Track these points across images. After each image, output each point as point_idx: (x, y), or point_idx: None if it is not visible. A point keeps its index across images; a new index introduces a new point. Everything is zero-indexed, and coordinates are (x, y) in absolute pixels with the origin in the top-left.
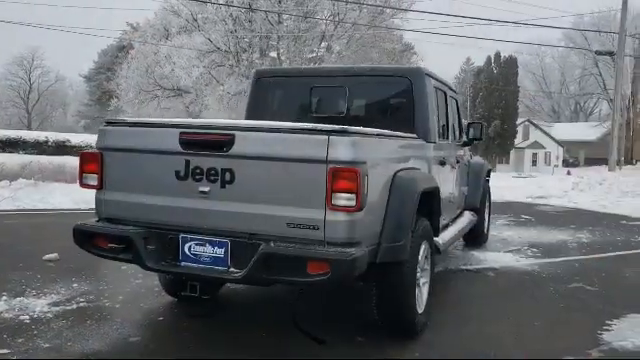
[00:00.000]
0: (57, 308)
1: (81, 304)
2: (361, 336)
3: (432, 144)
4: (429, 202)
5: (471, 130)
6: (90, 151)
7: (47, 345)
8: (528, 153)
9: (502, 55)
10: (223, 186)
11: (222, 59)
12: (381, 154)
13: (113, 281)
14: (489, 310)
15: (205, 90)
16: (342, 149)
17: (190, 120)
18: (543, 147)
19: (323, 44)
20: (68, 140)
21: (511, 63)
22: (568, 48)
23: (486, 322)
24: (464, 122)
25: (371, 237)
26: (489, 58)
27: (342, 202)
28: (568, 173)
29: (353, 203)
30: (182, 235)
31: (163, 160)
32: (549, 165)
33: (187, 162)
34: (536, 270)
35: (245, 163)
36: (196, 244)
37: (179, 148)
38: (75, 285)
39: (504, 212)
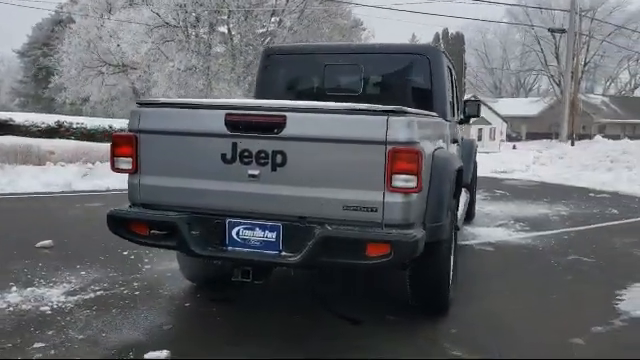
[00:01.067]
0: (74, 297)
1: (98, 292)
2: (392, 314)
3: (448, 123)
4: (457, 181)
5: (467, 108)
6: (123, 133)
7: (81, 336)
8: (474, 129)
9: (450, 32)
10: (274, 169)
11: (171, 34)
12: (427, 134)
13: (120, 268)
14: (505, 284)
15: (153, 66)
16: (401, 130)
17: (235, 100)
18: (489, 123)
19: (274, 19)
20: (11, 119)
21: (458, 40)
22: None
23: (506, 296)
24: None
25: (420, 218)
26: (437, 35)
27: (402, 184)
28: (514, 147)
29: (413, 184)
30: (229, 220)
31: (207, 143)
32: (494, 140)
33: (234, 145)
34: (530, 244)
35: (298, 145)
36: (245, 228)
37: (225, 130)
38: (83, 273)
39: (477, 187)
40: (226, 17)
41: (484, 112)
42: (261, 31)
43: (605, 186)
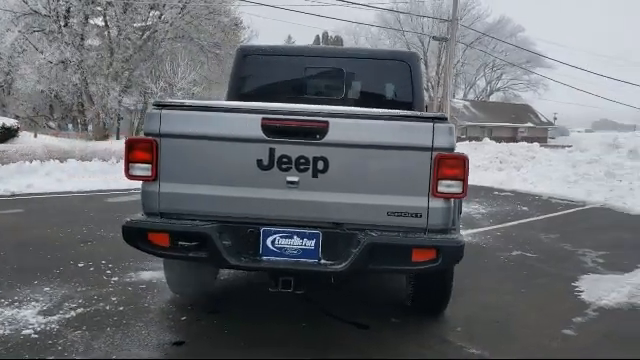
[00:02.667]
0: (54, 317)
1: (78, 310)
2: (395, 317)
3: None
4: None
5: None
6: (141, 137)
7: None
8: None
9: (329, 35)
10: (315, 175)
11: (41, 24)
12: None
13: (85, 281)
14: (473, 281)
15: (19, 58)
16: (445, 136)
17: (271, 105)
18: None
19: (154, 13)
20: None
21: (338, 43)
22: (382, 30)
23: (481, 292)
24: None
25: (453, 223)
26: (317, 37)
27: (447, 189)
28: None
29: (459, 190)
30: (264, 228)
31: (240, 148)
32: None
33: (272, 150)
34: (472, 241)
35: (340, 151)
36: (282, 237)
37: (262, 135)
38: (47, 289)
39: None
40: (102, 9)
41: None
42: (140, 25)
43: (503, 185)
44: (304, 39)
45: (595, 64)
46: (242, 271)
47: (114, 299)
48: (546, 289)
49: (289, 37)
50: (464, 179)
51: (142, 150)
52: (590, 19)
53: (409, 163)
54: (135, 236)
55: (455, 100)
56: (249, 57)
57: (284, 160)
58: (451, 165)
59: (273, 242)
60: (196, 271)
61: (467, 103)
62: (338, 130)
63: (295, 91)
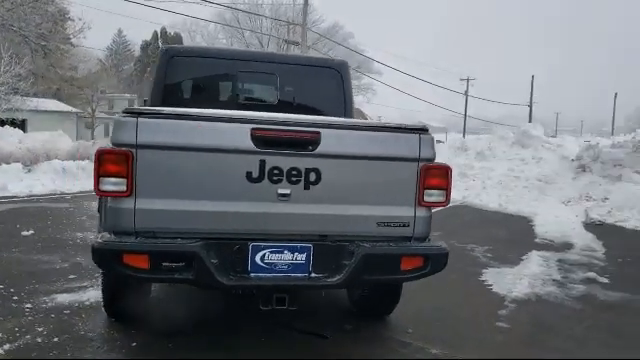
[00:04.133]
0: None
1: (6, 347)
2: (348, 324)
3: None
4: None
5: None
6: (114, 148)
7: None
8: None
9: (168, 32)
10: (307, 187)
11: None
12: None
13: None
14: None
15: None
16: (429, 147)
17: (260, 114)
18: None
19: None
20: None
21: (177, 40)
22: (220, 27)
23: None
24: None
25: None
26: (155, 33)
27: (433, 198)
28: None
29: (443, 199)
30: (253, 244)
31: (228, 160)
32: None
33: (262, 162)
34: None
35: (332, 163)
36: (271, 252)
37: (252, 146)
38: None
39: None
40: None
41: None
42: None
43: None
44: (137, 34)
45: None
46: (171, 286)
47: (41, 329)
48: (462, 285)
49: (119, 31)
50: (447, 188)
51: (115, 163)
52: (405, 29)
53: (397, 174)
54: (109, 258)
55: None
56: (176, 59)
57: (275, 172)
58: (436, 175)
59: (262, 258)
60: (134, 290)
61: None
62: (330, 141)
63: (227, 96)
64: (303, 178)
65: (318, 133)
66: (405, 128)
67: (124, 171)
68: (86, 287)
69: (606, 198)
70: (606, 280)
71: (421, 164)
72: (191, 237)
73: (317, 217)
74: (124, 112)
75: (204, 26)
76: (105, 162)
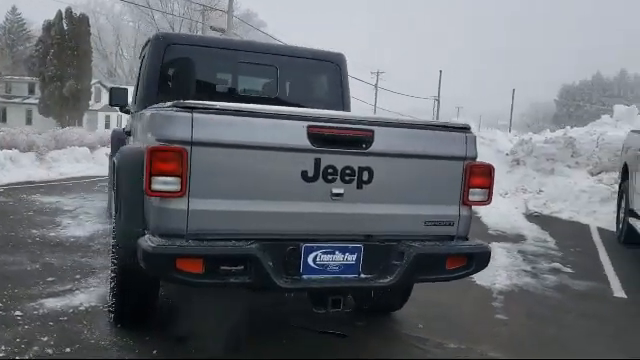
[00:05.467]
0: None
1: None
2: (358, 321)
3: None
4: None
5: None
6: (168, 146)
7: None
8: (101, 115)
9: (74, 12)
10: (359, 187)
11: None
12: None
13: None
14: None
15: None
16: (473, 146)
17: (314, 111)
18: (116, 110)
19: None
20: None
21: (83, 20)
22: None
23: None
24: None
25: None
26: (60, 13)
27: (476, 197)
28: None
29: (485, 198)
30: (306, 245)
31: (284, 158)
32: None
33: (317, 161)
34: None
35: (384, 161)
36: (323, 253)
37: (308, 144)
38: None
39: None
40: None
41: None
42: None
43: None
44: (35, 13)
45: None
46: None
47: (46, 339)
48: None
49: (13, 8)
50: (490, 187)
51: (169, 161)
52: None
53: (444, 172)
54: (164, 264)
55: None
56: (172, 47)
57: (329, 171)
58: (480, 174)
59: (314, 259)
60: (147, 294)
61: None
62: (383, 139)
63: (226, 87)
64: (356, 177)
65: (372, 131)
66: (452, 126)
67: (178, 169)
68: (71, 290)
69: (541, 190)
70: (570, 270)
71: (466, 163)
72: (244, 239)
73: (368, 217)
74: (174, 106)
75: (109, 7)
76: (159, 160)
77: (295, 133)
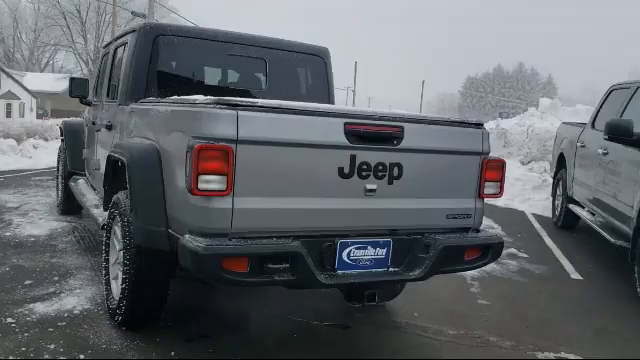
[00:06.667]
0: None
1: None
2: (358, 312)
3: None
4: None
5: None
6: (215, 144)
7: None
8: (2, 104)
9: None
10: (390, 182)
11: None
12: None
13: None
14: None
15: None
16: (488, 141)
17: (349, 108)
18: (18, 97)
19: None
20: None
21: None
22: None
23: None
24: None
25: None
26: None
27: (490, 190)
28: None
29: (498, 191)
30: (341, 240)
31: (322, 155)
32: (23, 117)
33: (353, 157)
34: None
35: (413, 157)
36: (357, 248)
37: (345, 141)
38: None
39: None
40: None
41: (11, 86)
42: None
43: None
44: None
45: None
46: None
47: (53, 346)
48: None
49: None
50: (502, 180)
51: (216, 159)
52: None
53: (464, 167)
54: (213, 264)
55: None
56: (162, 38)
57: (364, 167)
58: (494, 168)
59: (348, 254)
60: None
61: None
62: (412, 135)
63: (216, 81)
64: (387, 173)
65: (402, 128)
66: (470, 123)
67: (225, 168)
68: (56, 294)
69: None
70: (525, 255)
71: (482, 157)
72: (283, 236)
73: (397, 211)
74: (216, 103)
75: None
76: (205, 158)
77: (333, 130)
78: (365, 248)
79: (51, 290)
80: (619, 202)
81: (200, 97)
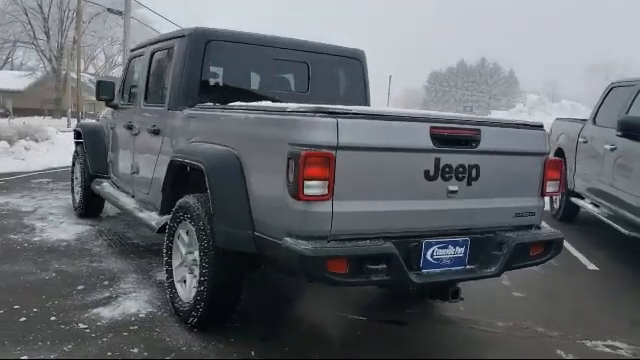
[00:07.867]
0: None
1: None
2: (408, 309)
3: None
4: None
5: None
6: (318, 151)
7: None
8: None
9: None
10: (469, 183)
11: None
12: None
13: (47, 337)
14: None
15: None
16: (548, 142)
17: (432, 113)
18: None
19: None
20: None
21: None
22: None
23: None
24: None
25: None
26: None
27: (552, 189)
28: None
29: (557, 188)
30: (425, 241)
31: (410, 159)
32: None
33: (437, 160)
34: None
35: (488, 159)
36: (439, 247)
37: (431, 145)
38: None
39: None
40: None
41: None
42: None
43: None
44: None
45: None
46: None
47: (136, 350)
48: None
49: None
50: (561, 179)
51: (319, 165)
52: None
53: (530, 167)
54: (320, 266)
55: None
56: (213, 43)
57: (446, 170)
58: (554, 167)
59: (432, 254)
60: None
61: (92, 78)
62: (488, 138)
63: (263, 85)
64: (467, 174)
65: (479, 131)
66: (534, 125)
67: (326, 174)
68: (114, 298)
69: None
70: None
71: (545, 157)
72: (376, 237)
73: (473, 211)
74: (318, 112)
75: None
76: (310, 165)
77: (420, 134)
78: (446, 247)
79: (106, 295)
80: (632, 196)
81: (292, 105)
